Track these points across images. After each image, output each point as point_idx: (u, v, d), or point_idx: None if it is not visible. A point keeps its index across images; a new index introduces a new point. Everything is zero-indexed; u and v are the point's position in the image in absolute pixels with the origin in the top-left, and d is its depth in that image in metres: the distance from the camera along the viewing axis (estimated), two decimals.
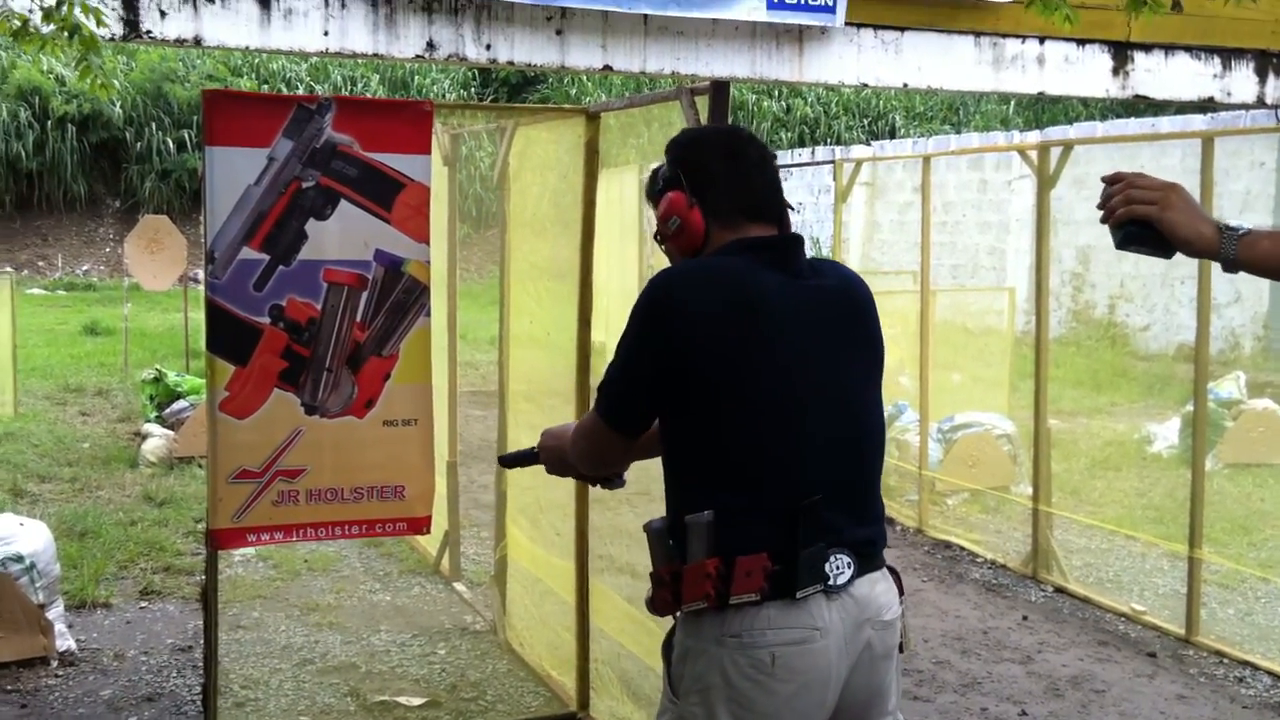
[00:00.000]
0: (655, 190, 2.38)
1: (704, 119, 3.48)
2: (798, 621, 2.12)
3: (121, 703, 4.56)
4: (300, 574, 6.13)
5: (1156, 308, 14.14)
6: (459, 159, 6.10)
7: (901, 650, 2.30)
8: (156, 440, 8.55)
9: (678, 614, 2.23)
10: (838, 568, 2.15)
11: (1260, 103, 9.98)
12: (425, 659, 5.04)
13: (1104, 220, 1.98)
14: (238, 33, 6.97)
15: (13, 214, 22.52)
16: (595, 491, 4.16)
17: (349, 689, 4.70)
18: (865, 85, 8.87)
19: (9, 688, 4.63)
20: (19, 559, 4.85)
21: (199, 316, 3.90)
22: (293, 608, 5.63)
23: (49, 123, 22.31)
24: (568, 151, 4.31)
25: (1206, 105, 10.23)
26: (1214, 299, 5.89)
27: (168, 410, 8.97)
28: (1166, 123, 13.80)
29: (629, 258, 11.92)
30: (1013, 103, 24.04)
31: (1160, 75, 9.49)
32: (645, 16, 7.89)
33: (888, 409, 6.65)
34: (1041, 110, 23.80)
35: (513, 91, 25.33)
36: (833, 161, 9.94)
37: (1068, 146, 6.38)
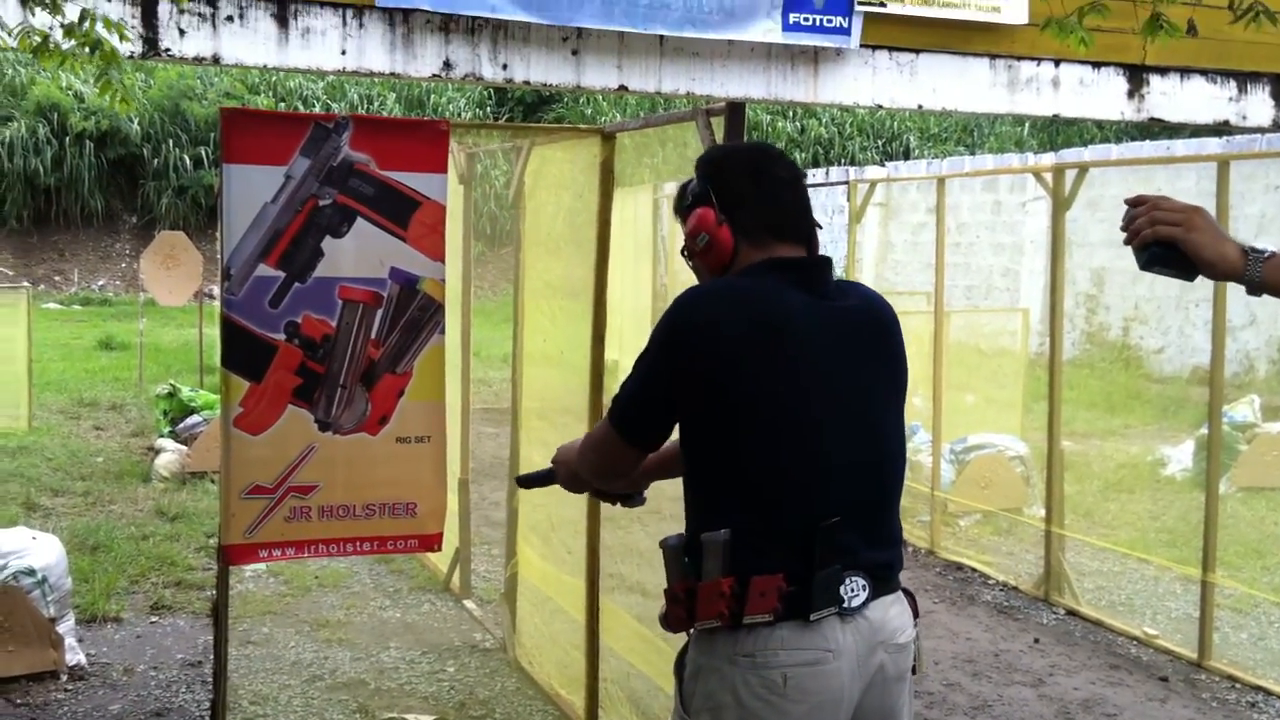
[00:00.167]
0: (684, 205, 2.36)
1: (719, 140, 3.50)
2: (811, 643, 2.12)
3: (130, 718, 4.57)
4: (311, 590, 6.13)
5: (1171, 330, 14.09)
6: (474, 177, 6.13)
7: (914, 672, 2.30)
8: (169, 455, 8.58)
9: (690, 631, 2.23)
10: (853, 590, 2.15)
11: (1276, 126, 9.96)
12: (434, 676, 5.03)
13: (1128, 242, 1.98)
14: (256, 51, 7.02)
15: (30, 229, 22.65)
16: (607, 510, 4.17)
17: (358, 705, 4.70)
18: (880, 106, 8.88)
19: (19, 701, 4.64)
20: (31, 572, 4.86)
21: (214, 332, 3.93)
22: (303, 623, 5.64)
23: (67, 139, 22.45)
24: (583, 171, 4.32)
25: (1222, 129, 10.22)
26: (1229, 322, 5.87)
27: (181, 425, 9.00)
28: (1181, 146, 13.79)
29: (643, 277, 11.95)
30: (1027, 124, 24.03)
31: (1176, 98, 9.48)
32: (661, 37, 7.93)
33: None
34: (1056, 132, 23.79)
35: (528, 111, 25.43)
36: (847, 182, 9.95)
37: (1083, 169, 6.39)
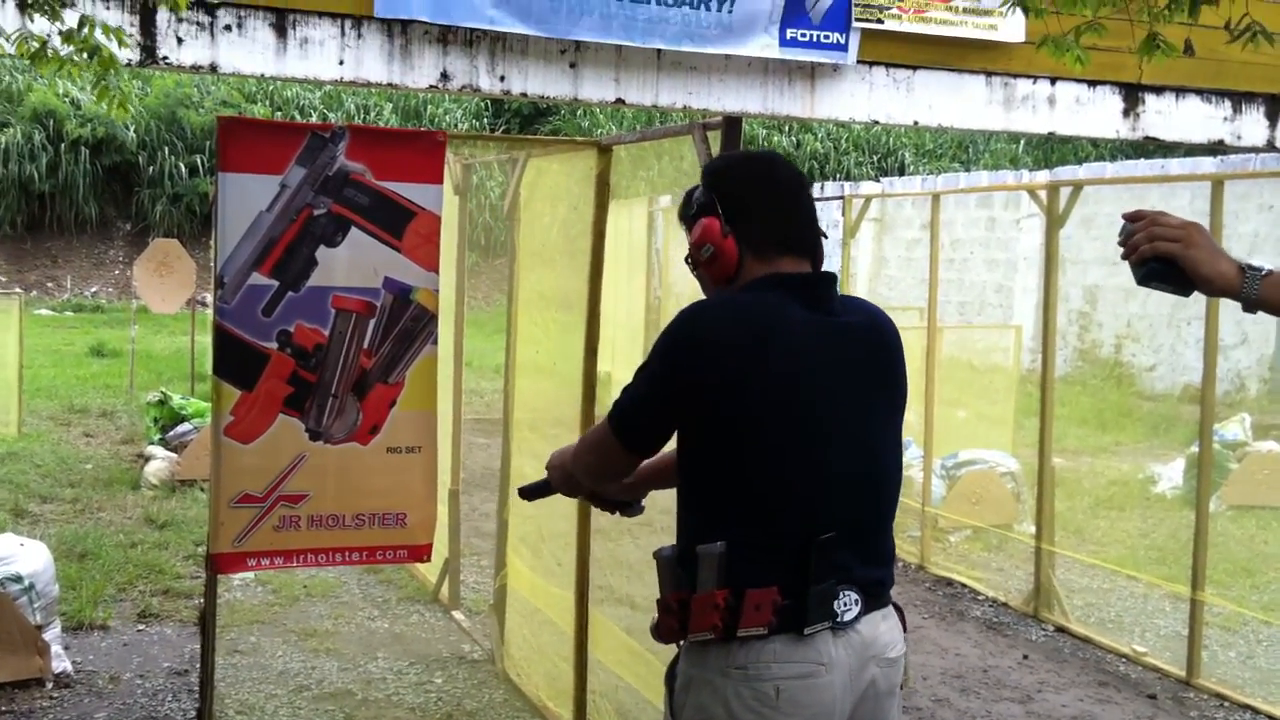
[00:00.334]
0: (689, 213, 2.35)
1: (715, 154, 3.50)
2: (804, 656, 2.12)
3: None
4: (299, 599, 6.11)
5: (1163, 348, 14.13)
6: (470, 188, 6.13)
7: (901, 687, 2.30)
8: (159, 463, 8.55)
9: (681, 643, 2.23)
10: (846, 605, 2.15)
11: (1270, 146, 10.00)
12: (422, 687, 5.02)
13: (1125, 256, 1.98)
14: (253, 60, 7.03)
15: (23, 235, 22.62)
16: (597, 522, 4.16)
17: (345, 716, 4.68)
18: (876, 122, 8.91)
19: (3, 709, 4.61)
20: (18, 579, 4.84)
21: (206, 340, 3.93)
22: (290, 633, 5.62)
23: (62, 145, 22.44)
24: (578, 183, 4.33)
25: (1216, 148, 10.26)
26: (1221, 340, 5.89)
27: (171, 433, 8.98)
28: (1176, 165, 13.84)
29: (637, 289, 11.96)
30: (1022, 142, 24.11)
31: (1171, 117, 9.53)
32: (659, 51, 7.95)
33: None
34: (1051, 150, 23.86)
35: (525, 123, 25.45)
36: (842, 197, 9.97)
37: (1077, 186, 6.40)
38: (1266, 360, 13.28)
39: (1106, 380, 14.36)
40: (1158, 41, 4.63)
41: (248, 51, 6.97)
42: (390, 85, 7.41)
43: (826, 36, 8.24)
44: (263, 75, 7.16)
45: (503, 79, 7.69)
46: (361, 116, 24.16)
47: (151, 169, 23.10)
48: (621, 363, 10.60)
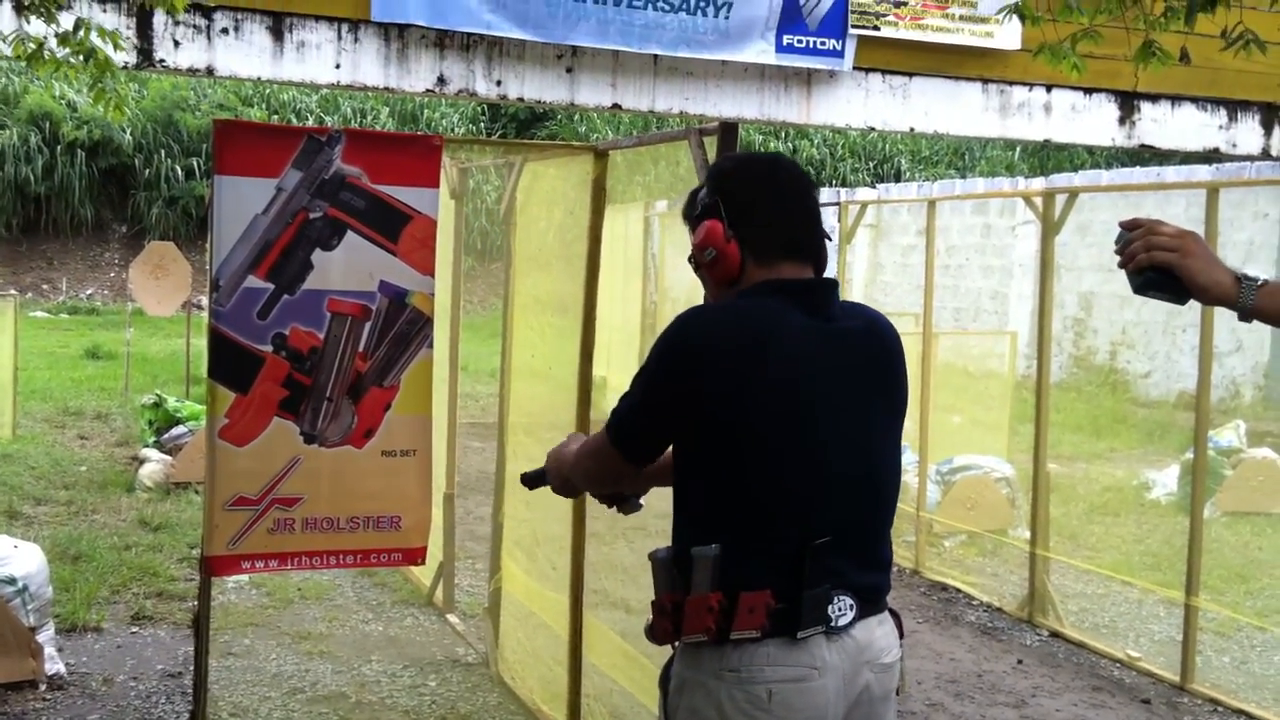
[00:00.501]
0: (692, 214, 2.35)
1: (711, 159, 3.51)
2: (797, 660, 2.12)
3: None
4: (293, 602, 6.11)
5: (1158, 355, 14.15)
6: (466, 192, 6.14)
7: (898, 693, 2.30)
8: (154, 465, 8.54)
9: (676, 645, 2.23)
10: (840, 609, 2.15)
11: (1265, 154, 10.03)
12: (416, 690, 5.02)
13: (1123, 265, 1.99)
14: (250, 63, 7.03)
15: (19, 237, 22.59)
16: (591, 526, 4.17)
17: (339, 719, 4.68)
18: (872, 129, 8.93)
19: None
20: (11, 581, 4.84)
21: (201, 343, 3.93)
22: (284, 636, 5.62)
23: (59, 148, 22.42)
24: (575, 188, 4.33)
25: (1212, 156, 10.29)
26: (1215, 348, 5.90)
27: (166, 435, 8.97)
28: (1171, 172, 13.87)
29: (633, 294, 11.97)
30: (1018, 149, 24.14)
31: (1166, 125, 9.55)
32: (655, 56, 7.96)
33: None
34: (1047, 157, 23.90)
35: (521, 127, 25.46)
36: (838, 203, 9.98)
37: (1073, 194, 6.42)
38: (1261, 367, 13.31)
39: (1101, 386, 14.37)
40: (1154, 49, 4.64)
41: (244, 54, 6.98)
42: (387, 89, 7.41)
43: (823, 43, 8.25)
44: (259, 78, 7.16)
45: (499, 83, 7.70)
46: (358, 120, 24.16)
47: (147, 172, 23.09)
48: (617, 367, 10.61)
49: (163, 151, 23.17)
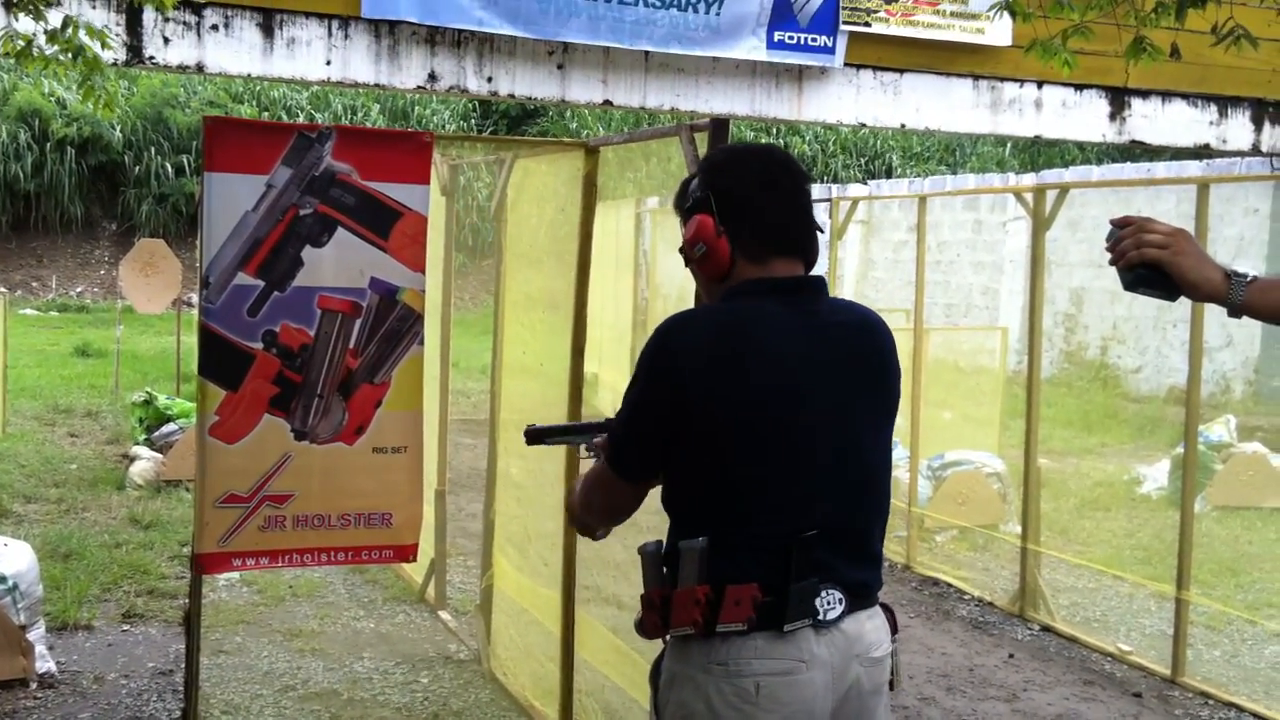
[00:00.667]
0: (683, 206, 2.33)
1: (702, 156, 3.50)
2: (784, 653, 2.12)
3: None
4: (284, 599, 6.10)
5: (1148, 350, 14.18)
6: (457, 189, 6.13)
7: (891, 688, 2.29)
8: (144, 463, 8.53)
9: (667, 639, 2.23)
10: (829, 603, 2.15)
11: (1255, 150, 10.06)
12: (408, 687, 5.01)
13: (1114, 262, 2.00)
14: (240, 60, 7.02)
15: (8, 234, 22.52)
16: None
17: (330, 716, 4.68)
18: (863, 125, 8.94)
19: None
20: (1, 579, 4.82)
21: (191, 340, 3.92)
22: (276, 633, 5.61)
23: (48, 145, 22.34)
24: (565, 184, 4.33)
25: (1202, 152, 10.31)
26: (1206, 343, 5.92)
27: (157, 433, 8.95)
28: (1162, 168, 13.90)
29: (624, 290, 11.97)
30: (1009, 145, 24.17)
31: (1157, 121, 9.57)
32: (646, 53, 7.96)
33: None
34: (1038, 153, 23.92)
35: (512, 124, 25.43)
36: (829, 199, 9.99)
37: (1064, 190, 6.42)
38: (1251, 362, 13.34)
39: (1092, 382, 14.40)
40: (1144, 45, 4.65)
41: (234, 51, 6.96)
42: (377, 86, 7.41)
43: (814, 39, 8.26)
44: (249, 75, 7.15)
45: (490, 80, 7.70)
46: (349, 117, 24.11)
47: (137, 169, 23.02)
48: (609, 364, 10.61)
49: (153, 149, 23.11)
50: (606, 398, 8.89)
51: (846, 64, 8.47)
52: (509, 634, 5.04)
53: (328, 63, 7.19)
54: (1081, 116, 9.33)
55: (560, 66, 7.82)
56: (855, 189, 19.17)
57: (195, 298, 4.44)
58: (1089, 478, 9.90)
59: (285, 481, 3.51)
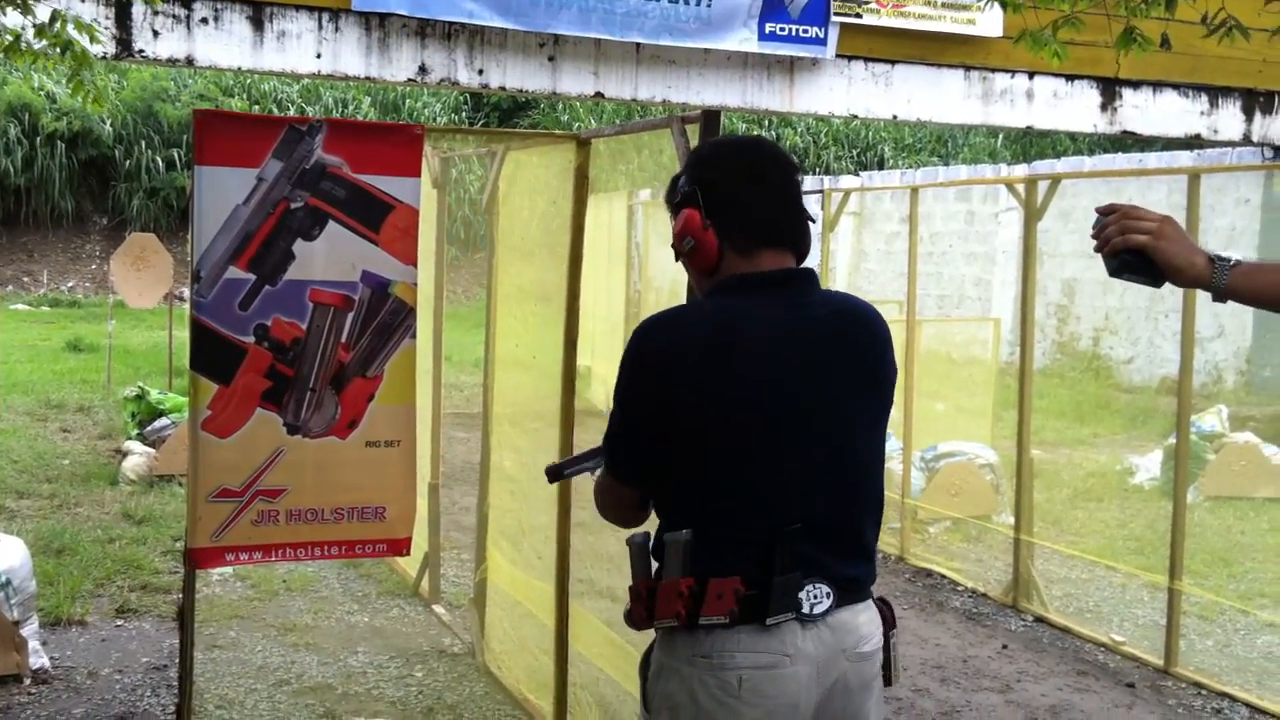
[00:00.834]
0: (673, 200, 2.33)
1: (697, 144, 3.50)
2: (768, 646, 2.12)
3: None
4: (278, 594, 6.10)
5: (1140, 341, 14.21)
6: (449, 182, 6.11)
7: (890, 682, 2.29)
8: (137, 458, 8.51)
9: (658, 631, 2.24)
10: (815, 596, 2.14)
11: (1246, 140, 10.08)
12: (402, 681, 5.01)
13: (1098, 249, 2.01)
14: (230, 53, 6.99)
15: None
16: (577, 515, 4.16)
17: (325, 710, 4.68)
18: (855, 116, 8.93)
19: None
20: None
21: (183, 335, 3.90)
22: (270, 628, 5.61)
23: (38, 139, 22.26)
24: (557, 176, 4.32)
25: (1193, 142, 10.32)
26: (1198, 333, 5.93)
27: (149, 428, 8.94)
28: (1154, 159, 13.91)
29: (616, 283, 11.96)
30: (1001, 136, 24.19)
31: (1148, 112, 9.58)
32: (637, 45, 7.94)
33: None
34: (1029, 144, 23.94)
35: (504, 117, 25.39)
36: (821, 191, 9.99)
37: (1055, 180, 6.43)
38: (1243, 353, 13.37)
39: (1085, 373, 14.43)
40: (1134, 35, 4.65)
41: (224, 44, 6.94)
42: (368, 79, 7.39)
43: (805, 30, 8.25)
44: (240, 68, 7.13)
45: (481, 72, 7.68)
46: (340, 110, 24.04)
47: (128, 163, 22.95)
48: (602, 357, 10.60)
49: (143, 142, 23.04)
50: (599, 390, 8.88)
51: (838, 55, 8.46)
52: (503, 627, 5.04)
53: (318, 56, 7.17)
54: (1073, 107, 9.34)
55: (551, 59, 7.81)
56: (847, 180, 19.18)
57: (187, 292, 4.42)
58: (1081, 468, 9.92)
59: (278, 476, 3.50)
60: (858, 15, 8.44)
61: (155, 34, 6.80)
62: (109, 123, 22.56)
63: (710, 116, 3.52)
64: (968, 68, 8.95)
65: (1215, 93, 9.69)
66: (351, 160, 3.49)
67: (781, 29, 8.27)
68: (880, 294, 15.90)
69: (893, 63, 8.75)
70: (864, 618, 2.23)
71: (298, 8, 7.10)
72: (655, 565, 2.23)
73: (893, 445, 8.04)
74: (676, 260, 2.33)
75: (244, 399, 3.45)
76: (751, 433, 2.14)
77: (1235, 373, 13.35)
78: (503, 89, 7.83)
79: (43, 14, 4.62)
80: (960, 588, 6.78)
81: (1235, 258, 1.95)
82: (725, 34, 8.07)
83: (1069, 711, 5.02)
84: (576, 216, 4.13)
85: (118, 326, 14.11)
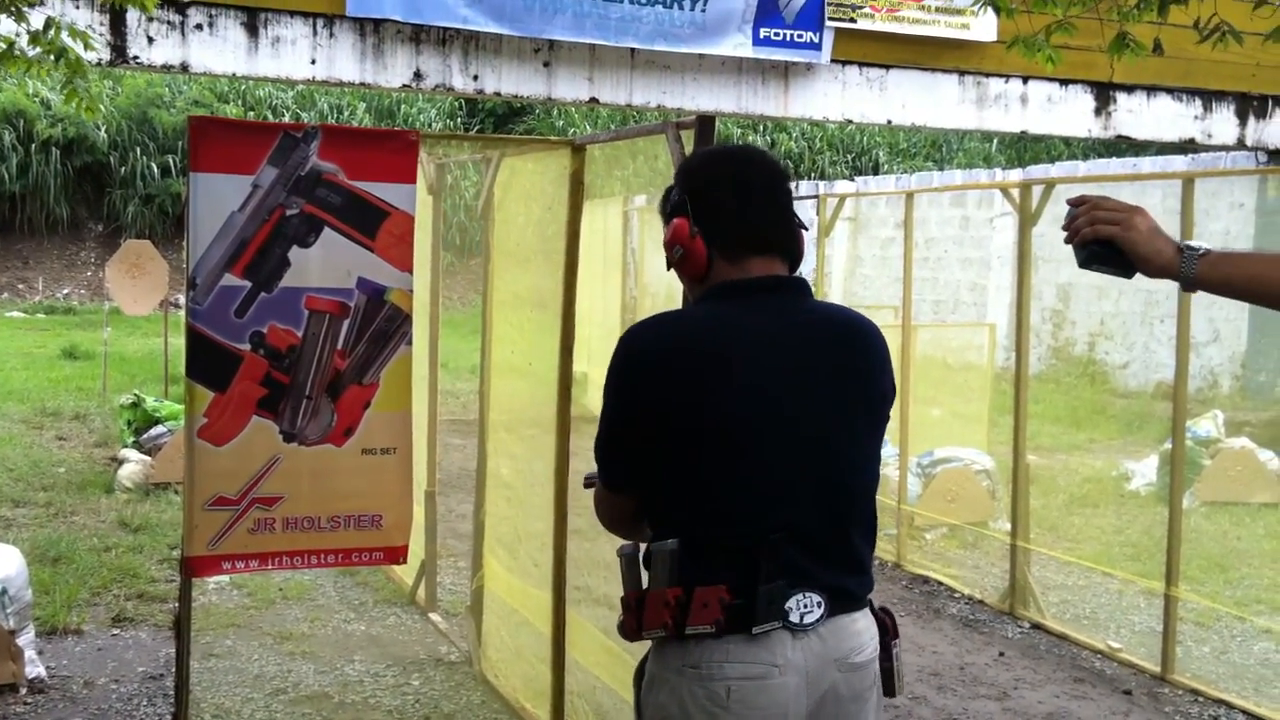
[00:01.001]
0: (665, 210, 2.35)
1: (689, 153, 3.50)
2: (756, 657, 2.11)
3: None
4: (275, 602, 6.08)
5: (1136, 346, 14.22)
6: (444, 188, 6.11)
7: (893, 693, 2.27)
8: (133, 466, 8.49)
9: (651, 642, 2.23)
10: (805, 606, 2.13)
11: (1240, 144, 10.10)
12: (399, 689, 5.00)
13: (1068, 240, 2.01)
14: (225, 60, 6.99)
15: None
16: (574, 523, 4.16)
17: (322, 719, 4.66)
18: (850, 121, 8.94)
19: None
20: None
21: (179, 342, 3.89)
22: (266, 636, 5.59)
23: (33, 146, 22.23)
24: (552, 182, 4.32)
25: (1187, 146, 10.34)
26: (1193, 338, 5.93)
27: (145, 436, 8.92)
28: (1148, 163, 13.94)
29: (612, 289, 11.97)
30: (995, 141, 24.22)
31: (1142, 116, 9.60)
32: (632, 50, 7.95)
33: None
34: (1024, 149, 23.98)
35: (499, 122, 25.38)
36: (816, 196, 9.99)
37: (1050, 185, 6.43)
38: (1239, 357, 13.39)
39: (1080, 378, 14.44)
40: (1128, 40, 4.66)
41: (219, 51, 6.94)
42: (363, 85, 7.39)
43: (800, 35, 8.26)
44: (234, 75, 7.13)
45: (476, 78, 7.68)
46: (334, 116, 24.04)
47: (123, 169, 22.92)
48: (598, 363, 10.59)
49: (138, 149, 23.02)
50: (596, 397, 8.84)
51: (833, 60, 8.47)
52: (500, 635, 5.03)
53: (313, 62, 7.17)
54: (1067, 111, 9.36)
55: (546, 64, 7.81)
56: (842, 186, 19.19)
57: (182, 299, 4.41)
58: (1077, 474, 9.92)
59: (274, 483, 3.49)
60: (852, 20, 8.45)
61: (150, 40, 6.79)
62: (104, 129, 22.53)
63: (705, 122, 3.52)
64: (962, 72, 8.96)
65: (1209, 97, 9.71)
66: (347, 167, 3.49)
67: (776, 34, 8.28)
68: (875, 299, 15.92)
69: (887, 68, 8.76)
70: (857, 627, 2.21)
71: (292, 14, 7.10)
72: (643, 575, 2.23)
73: (889, 451, 8.03)
74: (669, 269, 2.33)
75: (240, 406, 3.45)
76: (735, 439, 2.13)
77: (1231, 378, 13.37)
78: (498, 94, 7.83)
79: (37, 21, 4.62)
80: (957, 594, 6.77)
81: (1205, 247, 1.94)
82: (720, 39, 8.08)
83: (1066, 718, 5.01)
84: (572, 222, 4.13)
85: (113, 334, 14.08)
